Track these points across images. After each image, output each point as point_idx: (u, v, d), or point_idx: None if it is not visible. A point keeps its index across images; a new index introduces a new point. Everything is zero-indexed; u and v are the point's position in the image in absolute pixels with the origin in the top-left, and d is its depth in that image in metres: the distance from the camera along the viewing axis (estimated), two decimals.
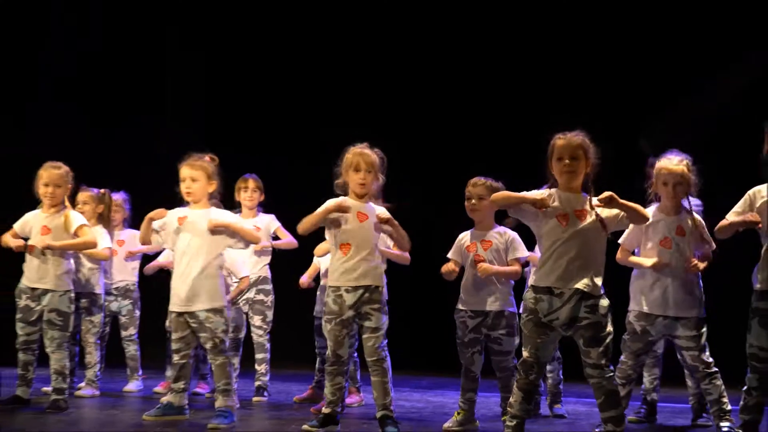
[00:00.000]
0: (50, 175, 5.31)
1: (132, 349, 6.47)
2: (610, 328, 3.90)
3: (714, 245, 4.53)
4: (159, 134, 8.88)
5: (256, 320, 6.17)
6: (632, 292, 4.68)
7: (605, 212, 3.93)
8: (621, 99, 7.53)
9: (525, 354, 4.00)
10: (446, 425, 4.81)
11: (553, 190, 4.02)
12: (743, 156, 4.02)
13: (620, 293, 4.67)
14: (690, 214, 4.52)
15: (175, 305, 4.92)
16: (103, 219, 6.06)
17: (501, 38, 8.18)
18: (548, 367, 5.33)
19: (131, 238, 6.44)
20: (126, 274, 6.47)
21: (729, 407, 4.44)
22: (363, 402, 5.76)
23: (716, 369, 4.48)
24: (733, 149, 3.95)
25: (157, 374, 6.52)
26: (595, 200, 3.92)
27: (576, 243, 3.90)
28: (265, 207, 6.33)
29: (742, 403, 3.86)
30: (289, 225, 5.95)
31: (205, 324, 4.82)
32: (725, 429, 4.35)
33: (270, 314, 6.18)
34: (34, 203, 5.49)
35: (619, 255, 4.69)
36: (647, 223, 4.40)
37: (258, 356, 6.16)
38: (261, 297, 6.16)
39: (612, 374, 3.90)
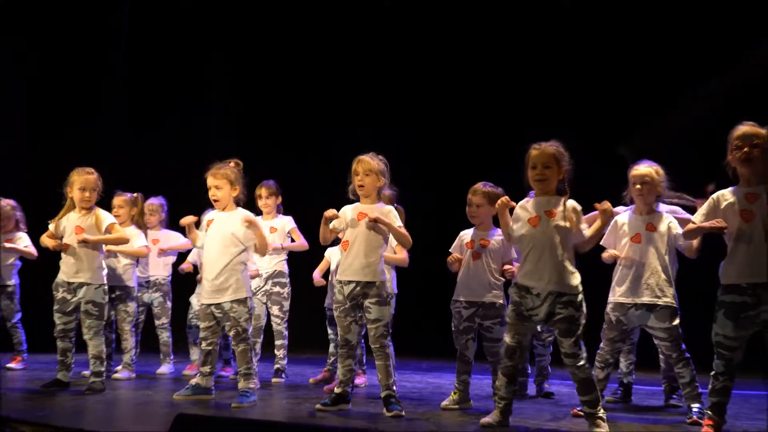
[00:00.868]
0: (86, 180, 5.22)
1: (164, 336, 6.41)
2: (583, 320, 3.90)
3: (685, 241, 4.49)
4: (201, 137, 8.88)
5: (274, 310, 6.10)
6: (611, 285, 4.65)
7: (570, 214, 3.91)
8: (605, 113, 7.45)
9: (507, 340, 4.02)
10: (444, 403, 4.75)
11: (528, 198, 4.07)
12: (716, 163, 3.94)
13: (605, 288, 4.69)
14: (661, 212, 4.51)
15: (204, 298, 4.89)
16: (136, 220, 5.99)
17: (502, 52, 8.09)
18: (539, 350, 5.35)
19: (165, 238, 6.43)
20: (159, 269, 6.39)
21: (699, 391, 4.39)
22: (367, 383, 5.68)
23: (688, 356, 4.44)
24: (706, 157, 3.90)
25: (187, 358, 6.46)
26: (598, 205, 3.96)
27: (545, 243, 3.92)
28: (285, 207, 6.24)
29: (710, 386, 3.78)
30: (308, 224, 5.94)
31: (230, 314, 4.78)
32: (695, 409, 4.31)
33: (287, 304, 6.08)
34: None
35: (603, 254, 4.66)
36: (621, 222, 4.54)
37: (277, 342, 6.10)
38: (278, 289, 6.07)
39: (584, 363, 3.88)
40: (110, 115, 8.78)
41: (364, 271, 4.49)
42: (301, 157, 8.72)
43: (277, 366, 6.09)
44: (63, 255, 5.21)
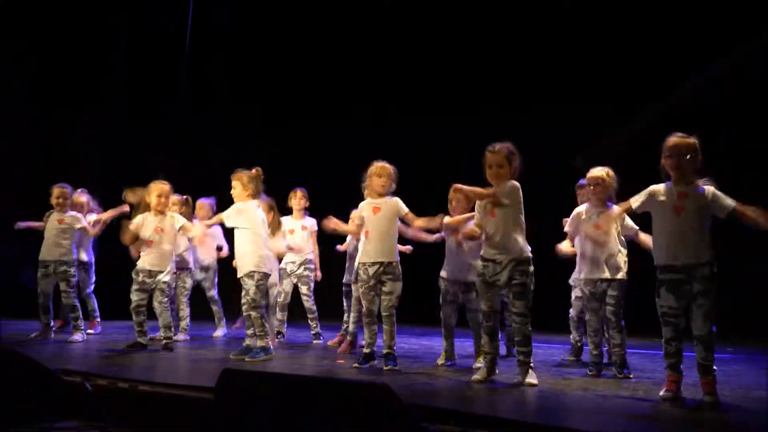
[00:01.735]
0: (162, 189, 5.53)
1: (216, 306, 6.76)
2: (532, 287, 4.09)
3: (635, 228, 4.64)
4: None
5: (303, 289, 6.41)
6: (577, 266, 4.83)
7: (511, 197, 4.13)
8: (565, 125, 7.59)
9: (483, 306, 4.21)
10: (439, 361, 4.96)
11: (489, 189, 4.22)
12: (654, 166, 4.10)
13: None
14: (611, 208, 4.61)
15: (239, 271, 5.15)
16: (187, 217, 6.19)
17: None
18: (508, 321, 5.50)
19: (212, 231, 6.64)
20: (206, 255, 6.70)
21: (625, 354, 4.55)
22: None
23: (623, 324, 4.60)
24: (652, 162, 4.03)
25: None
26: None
27: (501, 223, 4.13)
28: (310, 210, 6.55)
29: (664, 351, 3.81)
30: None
31: (243, 286, 5.05)
32: (623, 372, 4.51)
33: (313, 285, 6.42)
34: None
35: (561, 247, 4.84)
36: (579, 213, 4.72)
37: (309, 316, 6.43)
38: (307, 273, 6.40)
39: (528, 321, 4.07)
40: (110, 112, 8.82)
41: (383, 254, 4.69)
42: (302, 156, 8.84)
43: (313, 332, 6.40)
44: (144, 248, 5.46)
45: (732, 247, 3.76)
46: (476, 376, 4.19)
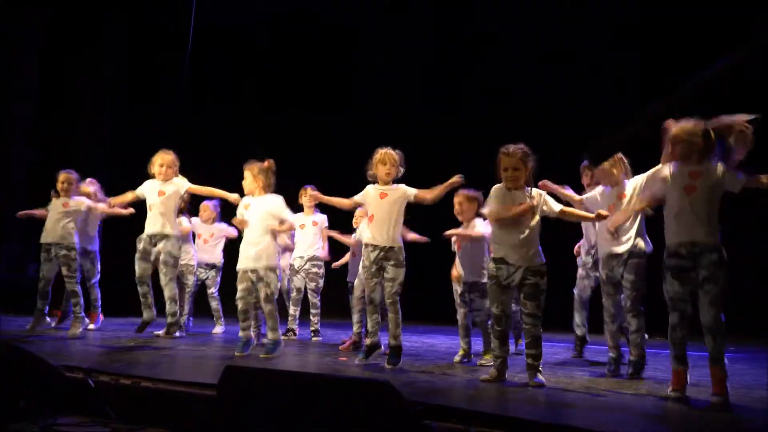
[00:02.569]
0: (164, 159, 5.47)
1: (215, 303, 6.77)
2: (544, 288, 4.03)
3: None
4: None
5: (311, 285, 6.41)
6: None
7: (536, 200, 4.07)
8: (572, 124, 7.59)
9: (494, 310, 4.13)
10: (456, 359, 4.94)
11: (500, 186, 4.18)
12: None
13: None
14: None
15: (243, 264, 5.04)
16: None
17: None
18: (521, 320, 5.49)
19: (217, 230, 6.75)
20: (212, 254, 6.73)
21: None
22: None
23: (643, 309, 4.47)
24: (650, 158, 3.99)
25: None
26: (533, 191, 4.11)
27: (515, 226, 4.07)
28: (321, 207, 6.51)
29: (669, 338, 3.74)
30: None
31: (264, 279, 4.94)
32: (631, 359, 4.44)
33: (321, 282, 6.43)
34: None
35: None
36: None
37: (312, 311, 6.41)
38: (315, 269, 6.40)
39: (539, 323, 4.01)
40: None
41: (385, 238, 4.62)
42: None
43: (313, 328, 6.38)
44: (149, 214, 5.38)
45: (733, 247, 3.69)
46: (485, 377, 4.14)
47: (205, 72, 9.18)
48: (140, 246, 5.36)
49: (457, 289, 4.98)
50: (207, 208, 6.66)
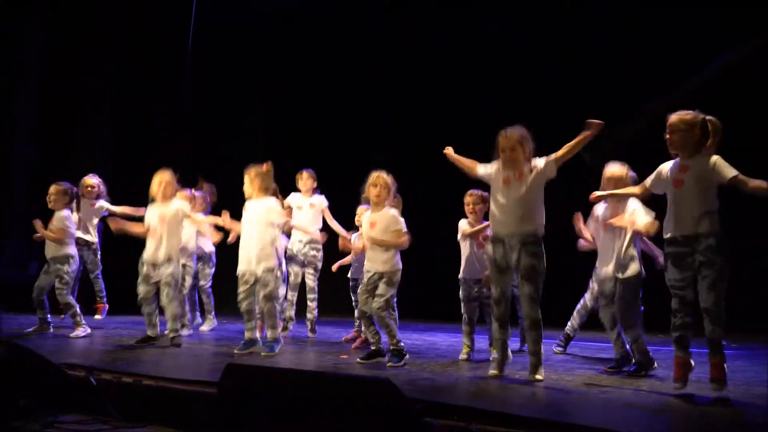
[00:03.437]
0: (162, 177, 5.47)
1: (207, 299, 6.68)
2: (542, 269, 4.01)
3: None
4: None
5: (310, 268, 6.33)
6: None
7: (539, 164, 4.05)
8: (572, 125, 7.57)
9: (493, 292, 4.16)
10: (462, 357, 4.94)
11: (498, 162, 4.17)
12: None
13: None
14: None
15: (242, 267, 5.07)
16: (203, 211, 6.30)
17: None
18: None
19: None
20: (205, 244, 6.58)
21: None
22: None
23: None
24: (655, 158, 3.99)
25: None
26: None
27: (516, 198, 4.06)
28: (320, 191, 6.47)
29: (672, 322, 3.74)
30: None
31: (263, 280, 4.99)
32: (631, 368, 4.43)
33: (320, 265, 6.33)
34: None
35: (581, 243, 4.79)
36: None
37: (309, 296, 6.31)
38: (314, 252, 6.32)
39: (537, 307, 4.01)
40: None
41: (380, 264, 4.66)
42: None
43: (310, 317, 6.29)
44: (148, 238, 5.40)
45: (735, 246, 3.70)
46: (492, 371, 4.16)
47: (206, 71, 9.14)
48: (143, 270, 5.41)
49: (471, 286, 4.98)
50: (197, 199, 6.59)
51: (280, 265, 5.35)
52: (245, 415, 3.04)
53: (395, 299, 4.89)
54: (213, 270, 6.67)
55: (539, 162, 4.12)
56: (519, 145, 4.10)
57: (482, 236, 4.99)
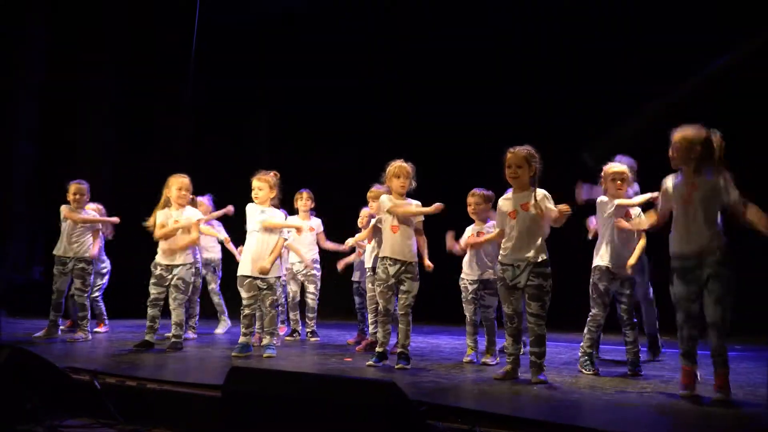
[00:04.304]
0: (182, 183, 5.47)
1: (218, 300, 6.76)
2: (549, 289, 4.09)
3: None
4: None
5: (310, 288, 6.40)
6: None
7: (543, 205, 4.11)
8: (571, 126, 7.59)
9: (506, 309, 4.21)
10: (466, 359, 4.94)
11: (509, 193, 4.27)
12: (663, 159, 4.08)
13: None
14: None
15: (244, 271, 5.12)
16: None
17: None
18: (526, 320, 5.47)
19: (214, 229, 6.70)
20: (205, 251, 6.63)
21: (639, 351, 4.54)
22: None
23: (635, 321, 4.60)
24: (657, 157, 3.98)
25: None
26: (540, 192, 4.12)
27: (522, 228, 4.14)
28: (316, 211, 6.57)
29: (678, 336, 3.78)
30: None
31: (268, 288, 5.08)
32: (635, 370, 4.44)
33: (319, 284, 6.42)
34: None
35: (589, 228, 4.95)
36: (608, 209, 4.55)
37: (309, 315, 6.40)
38: (314, 272, 6.40)
39: (543, 323, 4.06)
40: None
41: (405, 253, 4.63)
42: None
43: (309, 329, 6.37)
44: (162, 241, 5.40)
45: (737, 245, 3.72)
46: (498, 374, 4.18)
47: (207, 71, 9.16)
48: (156, 272, 5.41)
49: (468, 287, 4.96)
50: (202, 204, 6.60)
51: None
52: (249, 418, 3.05)
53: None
54: (221, 274, 6.76)
55: (546, 201, 4.14)
56: (525, 162, 4.14)
57: (479, 234, 4.97)
